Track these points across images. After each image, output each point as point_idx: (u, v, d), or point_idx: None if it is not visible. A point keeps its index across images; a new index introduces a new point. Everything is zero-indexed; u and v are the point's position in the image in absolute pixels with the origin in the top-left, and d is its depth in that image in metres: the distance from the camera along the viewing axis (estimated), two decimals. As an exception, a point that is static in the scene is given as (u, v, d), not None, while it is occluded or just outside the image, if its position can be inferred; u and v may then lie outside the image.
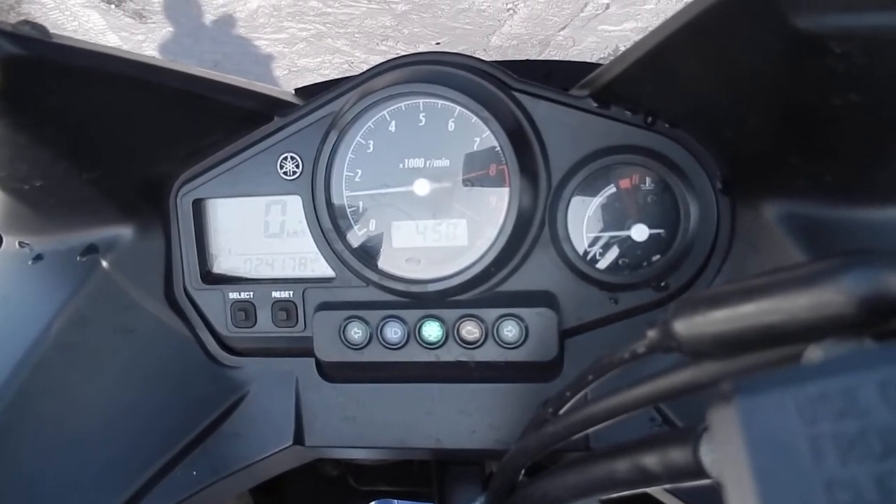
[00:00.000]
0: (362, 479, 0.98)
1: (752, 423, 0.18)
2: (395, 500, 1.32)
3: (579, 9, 3.54)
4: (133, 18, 3.24)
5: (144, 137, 0.62)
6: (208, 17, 3.39)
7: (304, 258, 0.66)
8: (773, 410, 0.18)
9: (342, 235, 0.63)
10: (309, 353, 0.65)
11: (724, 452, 0.20)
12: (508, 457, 0.46)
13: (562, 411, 0.42)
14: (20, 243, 0.68)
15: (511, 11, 3.56)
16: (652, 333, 0.33)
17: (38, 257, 0.67)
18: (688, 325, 0.31)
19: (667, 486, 0.35)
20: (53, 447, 0.60)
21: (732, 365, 0.31)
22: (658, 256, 0.59)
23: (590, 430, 0.38)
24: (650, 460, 0.35)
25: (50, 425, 0.60)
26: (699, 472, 0.32)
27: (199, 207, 0.67)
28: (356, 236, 0.63)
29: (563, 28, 3.54)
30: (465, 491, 0.71)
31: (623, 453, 0.36)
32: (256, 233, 0.67)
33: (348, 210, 0.63)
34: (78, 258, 0.65)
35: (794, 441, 0.17)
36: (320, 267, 0.66)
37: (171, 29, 3.32)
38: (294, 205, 0.66)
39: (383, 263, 0.62)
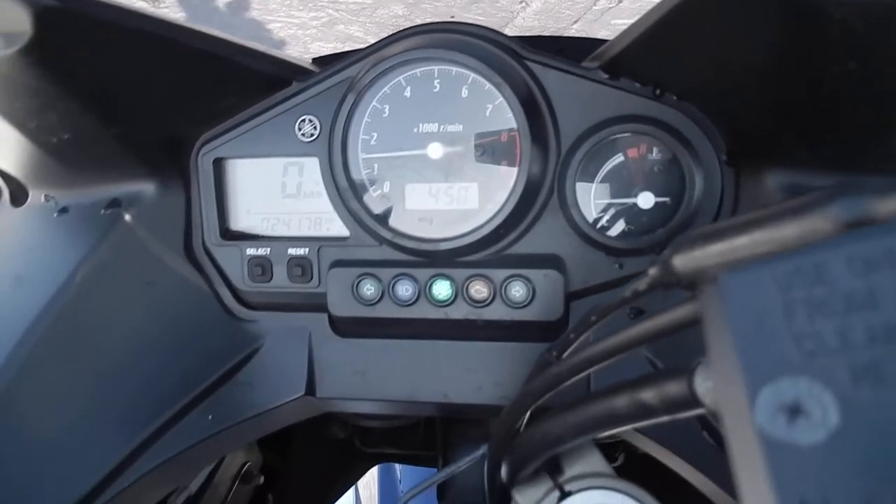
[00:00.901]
0: (368, 442, 1.01)
1: (734, 292, 0.21)
2: (397, 464, 1.35)
3: (592, 2, 3.54)
4: (146, 2, 3.27)
5: (168, 95, 0.64)
6: (221, 2, 3.41)
7: (320, 218, 0.69)
8: (753, 283, 0.20)
9: (357, 195, 0.65)
10: (322, 308, 0.67)
11: (711, 321, 0.22)
12: (513, 401, 0.49)
13: (566, 354, 0.44)
14: (46, 197, 0.70)
15: (524, 4, 3.56)
16: (653, 271, 0.35)
17: (63, 210, 0.69)
18: (686, 260, 0.33)
19: (663, 418, 0.38)
20: (77, 388, 0.63)
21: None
22: (663, 224, 0.61)
23: (592, 370, 0.41)
24: (648, 395, 0.37)
25: (73, 367, 0.63)
26: (694, 402, 0.34)
27: (219, 167, 0.69)
28: (371, 197, 0.65)
29: (576, 21, 3.55)
30: (469, 448, 0.73)
31: (622, 391, 0.39)
32: (274, 193, 0.69)
33: (363, 172, 0.65)
34: (102, 211, 0.68)
35: (769, 305, 0.20)
36: (335, 227, 0.68)
37: (184, 14, 3.34)
38: (311, 167, 0.68)
39: (396, 223, 0.65)
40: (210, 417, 0.65)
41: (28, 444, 0.61)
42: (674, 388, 0.36)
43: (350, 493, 1.32)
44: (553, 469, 0.54)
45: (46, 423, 0.61)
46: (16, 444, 0.60)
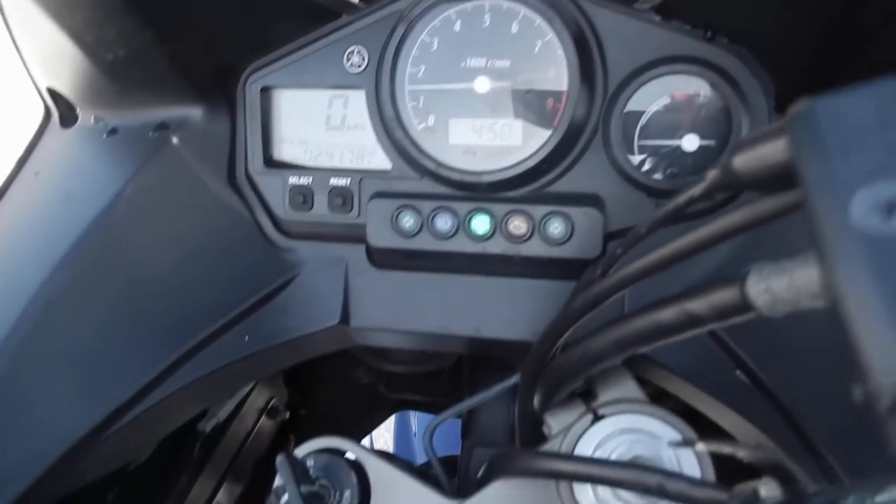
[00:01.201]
0: (392, 387, 1.02)
1: (827, 111, 0.21)
2: (413, 415, 1.37)
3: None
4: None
5: (223, 20, 0.65)
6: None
7: (362, 151, 0.69)
8: (845, 103, 0.21)
9: (402, 126, 0.65)
10: (360, 239, 0.68)
11: (802, 145, 0.22)
12: (552, 322, 0.49)
13: (611, 271, 0.45)
14: (95, 118, 0.72)
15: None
16: (712, 174, 0.35)
17: (112, 131, 0.71)
18: (747, 159, 0.33)
19: (709, 326, 0.38)
20: (119, 301, 0.64)
21: (789, 197, 0.33)
22: (706, 167, 0.62)
23: (636, 283, 0.41)
24: (696, 305, 0.37)
25: (116, 281, 0.65)
26: (745, 307, 0.35)
27: (266, 95, 0.70)
28: (415, 129, 0.66)
29: None
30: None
31: (669, 302, 0.39)
32: (318, 125, 0.70)
33: (409, 104, 0.66)
34: (150, 134, 0.69)
35: (863, 119, 0.20)
36: (377, 160, 0.69)
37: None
38: (356, 99, 0.69)
39: (439, 155, 0.65)
40: (246, 339, 0.67)
41: (69, 354, 0.63)
42: (725, 294, 0.36)
43: (365, 441, 1.34)
44: (586, 395, 0.55)
45: (88, 334, 0.63)
46: (58, 354, 0.62)
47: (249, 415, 0.92)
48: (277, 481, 0.55)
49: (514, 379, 0.60)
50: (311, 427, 1.07)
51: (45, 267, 0.62)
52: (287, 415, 1.00)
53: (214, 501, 0.86)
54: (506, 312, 0.66)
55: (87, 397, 0.60)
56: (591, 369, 0.49)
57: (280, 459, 0.50)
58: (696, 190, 0.37)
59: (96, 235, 0.64)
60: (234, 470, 0.89)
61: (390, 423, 1.37)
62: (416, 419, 1.36)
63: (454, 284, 0.67)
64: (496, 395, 0.60)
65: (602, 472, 0.42)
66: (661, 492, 0.39)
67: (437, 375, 0.98)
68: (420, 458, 1.26)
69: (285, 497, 0.50)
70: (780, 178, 0.33)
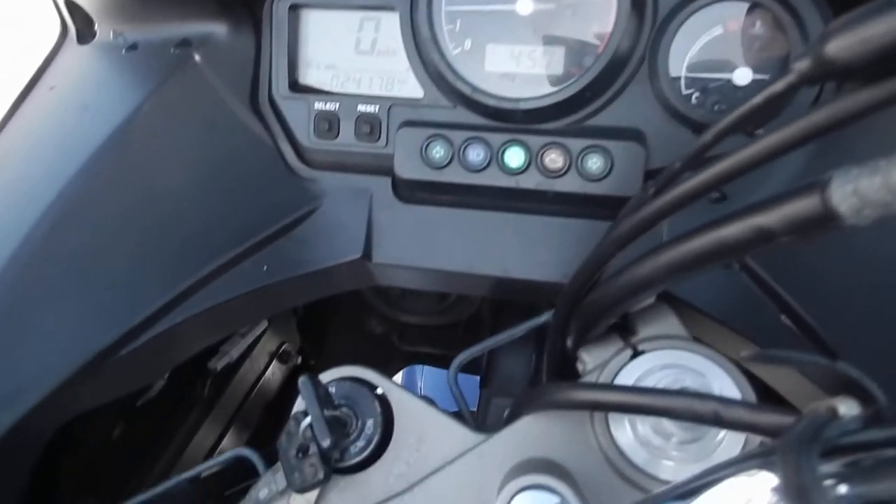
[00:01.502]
0: (406, 339, 1.00)
1: None
2: (420, 372, 1.35)
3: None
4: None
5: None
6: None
7: (393, 77, 0.66)
8: None
9: (438, 49, 0.62)
10: (386, 171, 0.65)
11: None
12: (596, 249, 0.46)
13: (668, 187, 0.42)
14: (114, 33, 0.68)
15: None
16: (800, 64, 0.32)
17: (132, 46, 0.67)
18: (845, 43, 0.30)
19: (782, 241, 0.35)
20: (134, 219, 0.62)
21: (884, 90, 0.30)
22: (757, 104, 0.58)
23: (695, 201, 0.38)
24: (767, 218, 0.34)
25: (132, 198, 0.62)
26: (826, 214, 0.32)
27: (294, 15, 0.67)
28: (450, 53, 0.62)
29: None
30: (518, 343, 0.72)
31: (734, 218, 0.36)
32: (347, 48, 0.67)
33: (445, 26, 0.62)
34: (171, 50, 0.66)
35: None
36: (408, 87, 0.65)
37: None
38: (387, 22, 0.65)
39: (475, 80, 0.62)
40: (265, 268, 0.64)
41: (81, 271, 0.60)
42: (801, 203, 0.33)
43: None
44: (623, 332, 0.52)
45: (101, 251, 0.61)
46: (69, 270, 0.59)
47: (261, 358, 0.90)
48: (298, 405, 0.52)
49: (544, 317, 0.58)
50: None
51: (58, 180, 0.60)
52: (299, 360, 0.98)
53: (222, 444, 0.84)
54: (536, 252, 0.63)
55: (98, 317, 0.58)
56: (635, 299, 0.46)
57: (303, 380, 0.48)
58: (779, 86, 0.33)
59: (112, 150, 0.62)
60: (243, 412, 0.87)
61: (396, 379, 1.35)
62: (422, 379, 1.34)
63: (483, 221, 0.64)
64: (526, 331, 0.57)
65: (650, 401, 0.39)
66: (716, 420, 0.36)
67: (452, 328, 0.96)
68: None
69: (306, 420, 0.47)
70: (887, 63, 0.30)
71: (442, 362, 1.05)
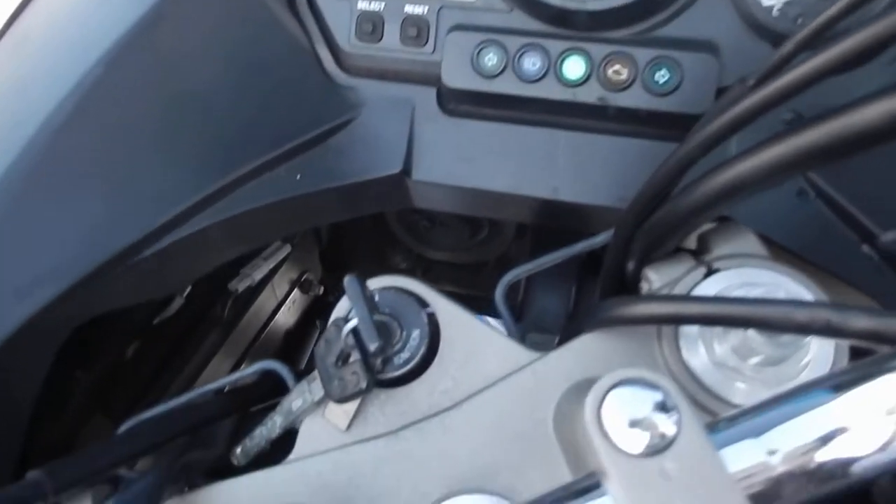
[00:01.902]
0: (431, 277, 0.96)
1: None
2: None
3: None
4: None
5: None
6: None
7: (442, -23, 0.61)
8: None
9: (497, -58, 0.57)
10: (432, 81, 0.61)
11: None
12: (676, 154, 0.42)
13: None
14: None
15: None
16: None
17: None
18: None
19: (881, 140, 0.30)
20: (159, 114, 0.57)
21: None
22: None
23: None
24: (863, 114, 0.29)
25: (158, 92, 0.57)
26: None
27: None
28: (510, -51, 0.57)
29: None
30: (555, 284, 0.68)
31: (826, 118, 0.31)
32: (395, -56, 0.62)
33: (506, -80, 0.57)
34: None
35: None
36: (459, -12, 0.60)
37: None
38: (440, -85, 0.60)
39: (537, -21, 0.57)
40: (298, 177, 0.60)
41: (103, 163, 0.56)
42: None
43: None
44: (694, 251, 0.48)
45: (124, 144, 0.56)
46: (90, 160, 0.55)
47: (282, 284, 0.86)
48: (337, 311, 0.49)
49: (601, 237, 0.54)
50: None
51: (80, 65, 0.55)
52: (321, 290, 0.94)
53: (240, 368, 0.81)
54: (590, 173, 0.58)
55: (122, 213, 0.54)
56: (710, 214, 0.42)
57: (349, 279, 0.44)
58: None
59: (138, 38, 0.57)
60: (262, 339, 0.84)
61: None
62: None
63: (533, 138, 0.59)
64: (584, 250, 0.53)
65: (746, 312, 0.35)
66: (828, 329, 0.32)
67: (479, 268, 0.92)
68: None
69: (349, 325, 0.44)
70: None
71: (466, 303, 1.01)
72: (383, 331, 0.45)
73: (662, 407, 0.28)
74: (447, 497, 0.44)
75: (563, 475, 0.43)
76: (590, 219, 0.62)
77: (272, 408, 0.53)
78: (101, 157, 0.55)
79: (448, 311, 0.48)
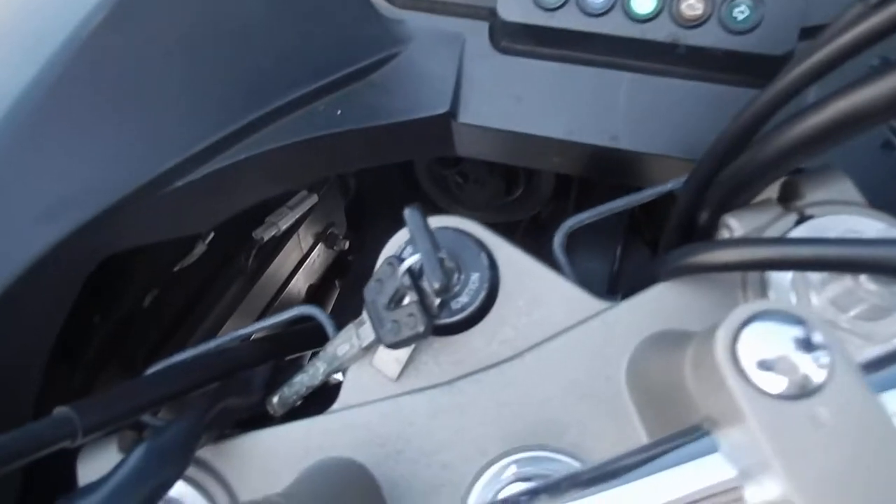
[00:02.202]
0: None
1: None
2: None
3: None
4: None
5: None
6: None
7: None
8: None
9: None
10: (484, 14, 0.56)
11: None
12: (777, 83, 0.38)
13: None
14: None
15: None
16: None
17: None
18: None
19: None
20: (193, 39, 0.53)
21: None
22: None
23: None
24: None
25: (189, 13, 0.53)
26: None
27: None
28: None
29: None
30: (599, 240, 0.64)
31: None
32: None
33: None
34: None
35: None
36: (519, -87, 0.56)
37: None
38: None
39: None
40: (338, 112, 0.56)
41: (133, 87, 0.51)
42: None
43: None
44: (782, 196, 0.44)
45: (153, 68, 0.52)
46: (117, 83, 0.51)
47: (306, 237, 0.82)
48: (387, 250, 0.45)
49: (671, 183, 0.50)
50: (360, 275, 0.96)
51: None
52: (346, 245, 0.90)
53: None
54: (654, 120, 0.54)
55: (152, 141, 0.49)
56: (798, 160, 0.38)
57: (410, 210, 0.40)
58: None
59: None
60: (286, 292, 0.80)
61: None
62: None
63: (593, 79, 0.55)
64: (653, 196, 0.49)
65: (868, 253, 0.31)
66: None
67: (510, 229, 0.88)
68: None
69: (407, 262, 0.40)
70: None
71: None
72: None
73: (805, 345, 0.24)
74: (506, 454, 0.40)
75: (636, 434, 0.40)
76: (649, 170, 0.58)
77: (305, 358, 0.49)
78: (133, 81, 0.50)
79: (510, 255, 0.44)
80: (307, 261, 0.83)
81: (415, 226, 0.39)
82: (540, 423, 0.41)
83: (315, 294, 0.90)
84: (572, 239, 0.71)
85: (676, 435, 0.29)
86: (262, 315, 0.79)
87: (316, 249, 0.85)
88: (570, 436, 0.40)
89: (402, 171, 0.88)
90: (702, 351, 0.27)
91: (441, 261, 0.38)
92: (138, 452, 0.36)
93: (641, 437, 0.40)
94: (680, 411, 0.31)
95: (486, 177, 0.83)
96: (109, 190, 0.46)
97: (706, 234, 0.48)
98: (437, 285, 0.37)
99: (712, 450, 0.27)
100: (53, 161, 0.46)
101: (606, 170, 0.61)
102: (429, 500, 0.41)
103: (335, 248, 0.87)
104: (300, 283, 0.84)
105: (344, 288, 0.97)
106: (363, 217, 0.95)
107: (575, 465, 0.40)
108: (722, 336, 0.25)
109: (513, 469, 0.39)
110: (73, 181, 0.46)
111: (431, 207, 0.91)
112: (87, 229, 0.44)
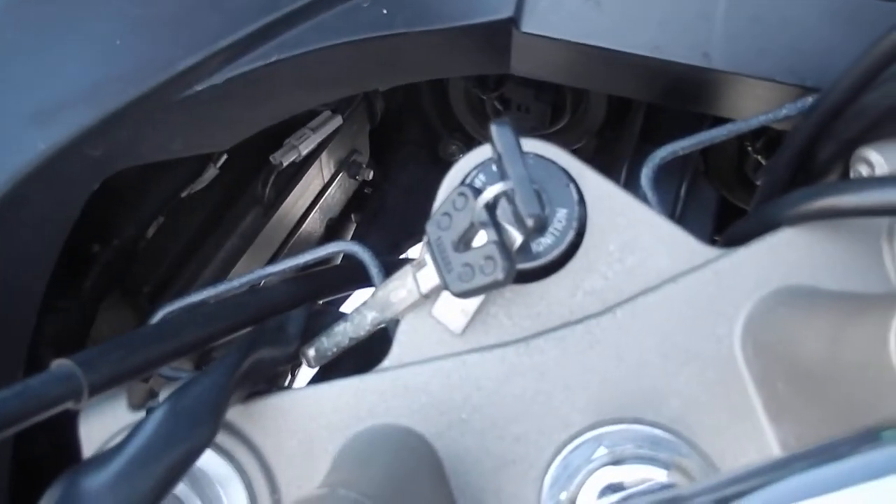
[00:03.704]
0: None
1: None
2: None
3: None
4: None
5: None
6: None
7: None
8: None
9: None
10: None
11: None
12: None
13: None
14: None
15: None
16: None
17: None
18: None
19: None
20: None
21: None
22: None
23: None
24: None
25: None
26: None
27: None
28: None
29: None
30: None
31: None
32: None
33: None
34: None
35: None
36: None
37: None
38: None
39: None
40: (384, 12, 0.47)
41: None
42: None
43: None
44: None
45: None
46: None
47: (328, 165, 0.74)
48: (455, 175, 0.37)
49: (785, 109, 0.42)
50: (386, 204, 0.89)
51: None
52: (370, 174, 0.82)
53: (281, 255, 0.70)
54: (757, 33, 0.46)
55: (167, 33, 0.41)
56: None
57: (498, 126, 0.32)
58: None
59: None
60: (306, 226, 0.73)
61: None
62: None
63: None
64: (760, 125, 0.42)
65: None
66: None
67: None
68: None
69: (489, 194, 0.32)
70: None
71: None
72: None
73: None
74: (593, 427, 0.34)
75: (751, 409, 0.33)
76: (742, 98, 0.50)
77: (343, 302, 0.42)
78: None
79: (600, 188, 0.37)
80: (328, 191, 0.75)
81: (505, 146, 0.31)
82: (634, 391, 0.34)
83: (339, 221, 0.82)
84: (630, 175, 0.63)
85: (863, 436, 0.22)
86: (279, 252, 0.71)
87: (338, 179, 0.76)
88: (670, 408, 0.34)
89: (434, 91, 0.79)
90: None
91: (537, 192, 0.31)
92: (160, 413, 0.30)
93: (758, 413, 0.33)
94: (855, 400, 0.24)
95: (530, 102, 0.75)
96: (112, 93, 0.38)
97: (824, 171, 0.41)
98: (530, 222, 0.30)
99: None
100: (45, 55, 0.38)
101: (690, 96, 0.53)
102: (499, 478, 0.34)
103: (357, 177, 0.79)
104: (317, 218, 0.76)
105: (362, 223, 0.89)
106: (388, 143, 0.86)
107: (677, 444, 0.33)
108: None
109: (602, 449, 0.33)
110: (72, 80, 0.37)
111: (462, 135, 0.83)
112: (87, 139, 0.36)
